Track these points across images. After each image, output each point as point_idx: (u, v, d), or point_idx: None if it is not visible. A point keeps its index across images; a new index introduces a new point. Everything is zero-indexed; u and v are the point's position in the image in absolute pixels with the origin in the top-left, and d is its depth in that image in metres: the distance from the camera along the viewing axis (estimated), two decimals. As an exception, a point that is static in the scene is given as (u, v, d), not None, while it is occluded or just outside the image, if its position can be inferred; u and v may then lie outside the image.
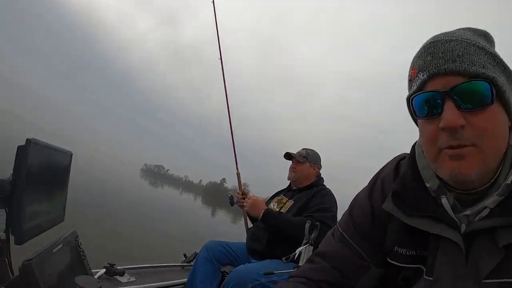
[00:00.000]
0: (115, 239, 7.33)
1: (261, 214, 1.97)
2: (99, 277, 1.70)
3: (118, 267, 1.80)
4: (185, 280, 2.09)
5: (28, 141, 0.87)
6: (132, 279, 1.84)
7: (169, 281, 2.08)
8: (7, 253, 1.00)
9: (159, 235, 10.49)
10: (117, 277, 1.76)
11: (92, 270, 1.73)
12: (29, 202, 0.91)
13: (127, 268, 1.94)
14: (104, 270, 1.75)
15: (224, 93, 2.73)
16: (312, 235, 1.38)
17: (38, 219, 0.99)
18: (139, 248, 7.22)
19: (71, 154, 1.27)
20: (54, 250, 0.99)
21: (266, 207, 2.02)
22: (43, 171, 0.99)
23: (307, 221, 1.41)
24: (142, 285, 1.79)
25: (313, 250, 1.35)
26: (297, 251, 1.34)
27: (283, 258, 1.38)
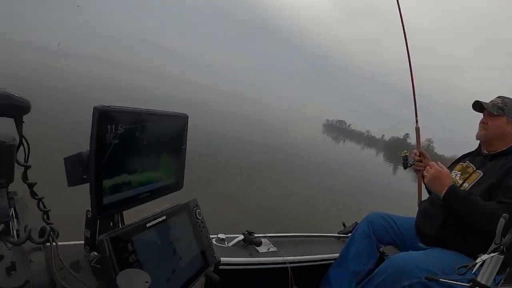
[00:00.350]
0: (287, 200, 7.74)
1: (444, 192, 1.43)
2: (235, 244, 1.64)
3: (257, 235, 1.70)
4: (337, 255, 1.83)
5: (95, 109, 0.76)
6: (273, 249, 1.70)
7: (316, 254, 1.83)
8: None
9: (337, 193, 10.59)
10: (254, 246, 1.66)
11: (230, 236, 1.69)
12: (112, 175, 0.83)
13: (271, 236, 1.82)
14: (242, 236, 1.67)
15: (402, 28, 2.18)
16: (507, 236, 0.83)
17: (129, 191, 0.91)
18: (308, 207, 7.38)
19: (187, 117, 1.17)
20: (148, 225, 0.91)
21: (451, 183, 1.46)
22: (134, 139, 0.89)
23: (503, 215, 0.87)
24: (279, 258, 1.62)
25: (503, 260, 0.84)
26: (478, 261, 0.85)
27: (456, 269, 0.91)
